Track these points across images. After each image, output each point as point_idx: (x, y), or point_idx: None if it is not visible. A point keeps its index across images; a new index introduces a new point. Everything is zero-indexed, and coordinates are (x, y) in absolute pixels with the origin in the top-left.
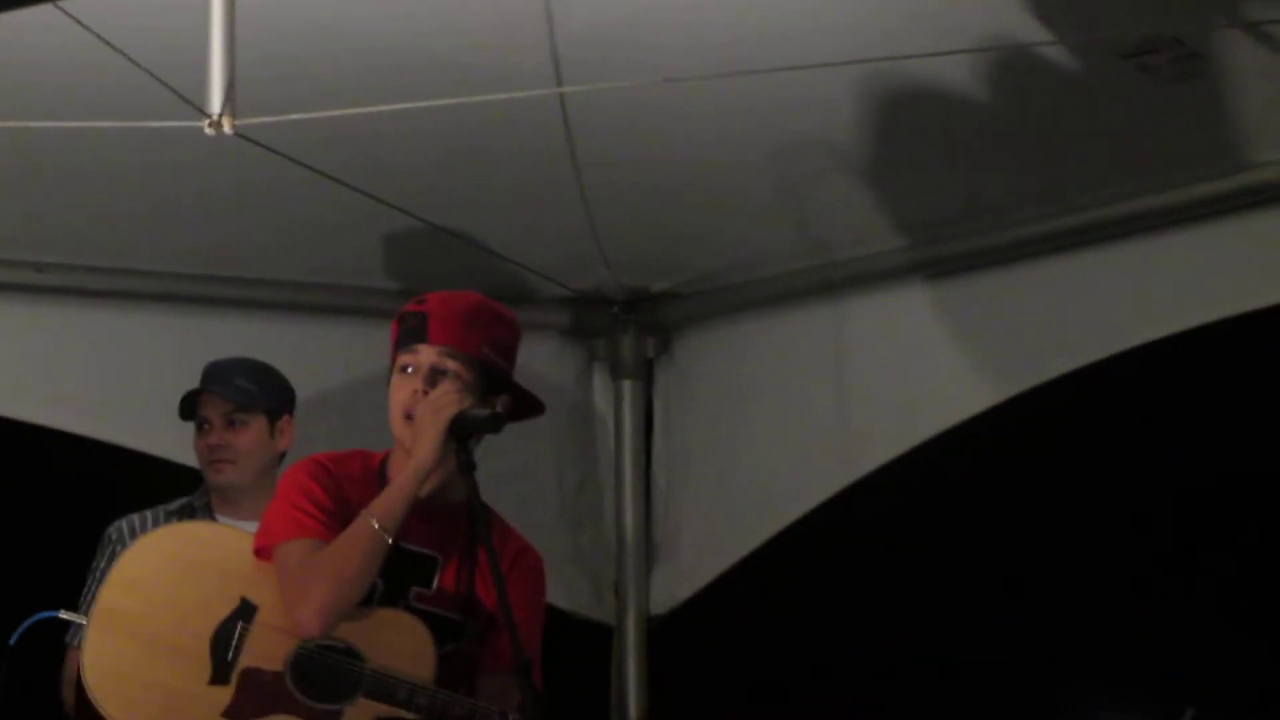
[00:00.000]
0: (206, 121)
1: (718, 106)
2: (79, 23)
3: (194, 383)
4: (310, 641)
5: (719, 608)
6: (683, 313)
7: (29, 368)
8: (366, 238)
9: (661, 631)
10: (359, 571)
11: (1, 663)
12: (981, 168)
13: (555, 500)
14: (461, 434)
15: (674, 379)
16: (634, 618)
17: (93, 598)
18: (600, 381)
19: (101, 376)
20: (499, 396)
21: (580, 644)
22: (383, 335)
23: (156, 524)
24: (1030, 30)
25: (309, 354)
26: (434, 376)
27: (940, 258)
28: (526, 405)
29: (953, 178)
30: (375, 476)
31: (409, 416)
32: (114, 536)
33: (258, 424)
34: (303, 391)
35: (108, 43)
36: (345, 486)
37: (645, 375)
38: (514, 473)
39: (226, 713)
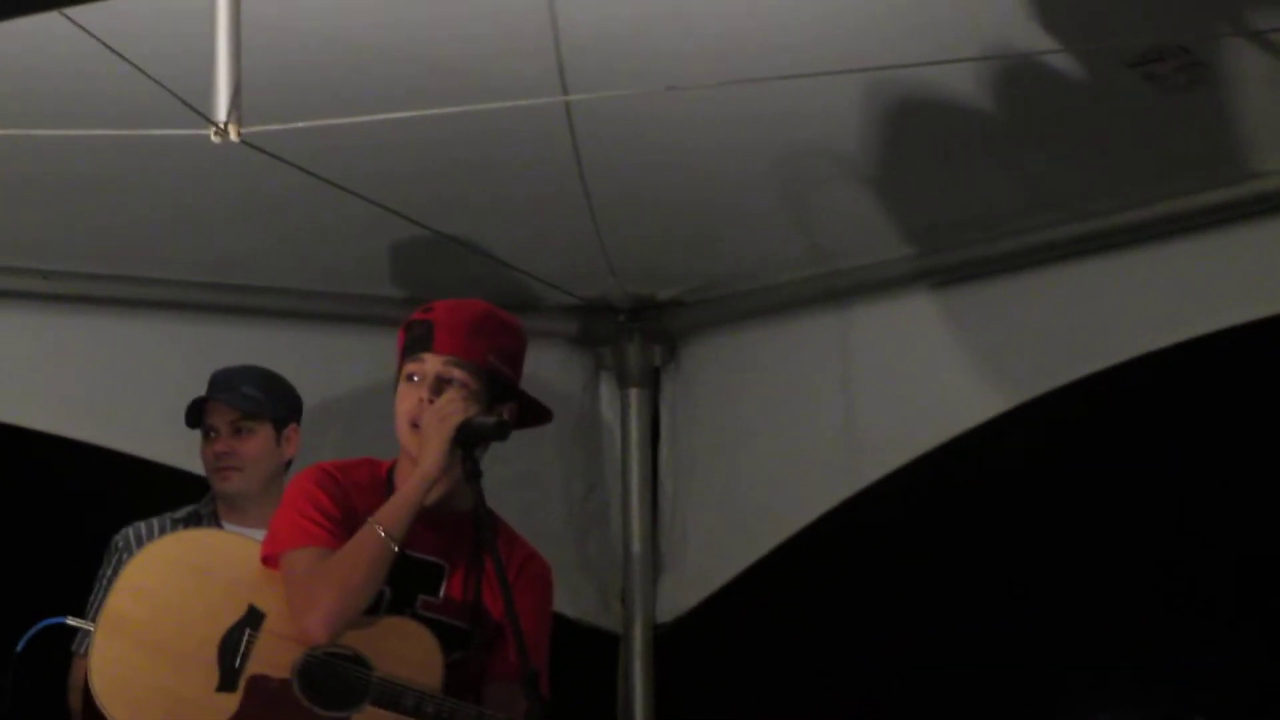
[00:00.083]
0: (213, 129)
1: (723, 115)
2: (85, 31)
3: (200, 390)
4: (318, 649)
5: (725, 616)
6: (689, 321)
7: (35, 375)
8: (373, 245)
9: (668, 639)
10: (366, 579)
11: (8, 669)
12: (987, 176)
13: (561, 508)
14: (468, 442)
15: (680, 387)
16: (640, 626)
17: (99, 605)
18: (607, 390)
19: (107, 384)
20: (505, 405)
21: (586, 652)
22: (389, 343)
23: (163, 532)
24: (1036, 39)
25: (315, 362)
26: (440, 385)
27: (946, 266)
28: (533, 413)
29: (958, 186)
30: (382, 485)
31: (415, 425)
32: (120, 544)
33: (264, 432)
34: (309, 399)
35: (114, 51)
36: (352, 494)
37: (652, 383)
38: (520, 481)
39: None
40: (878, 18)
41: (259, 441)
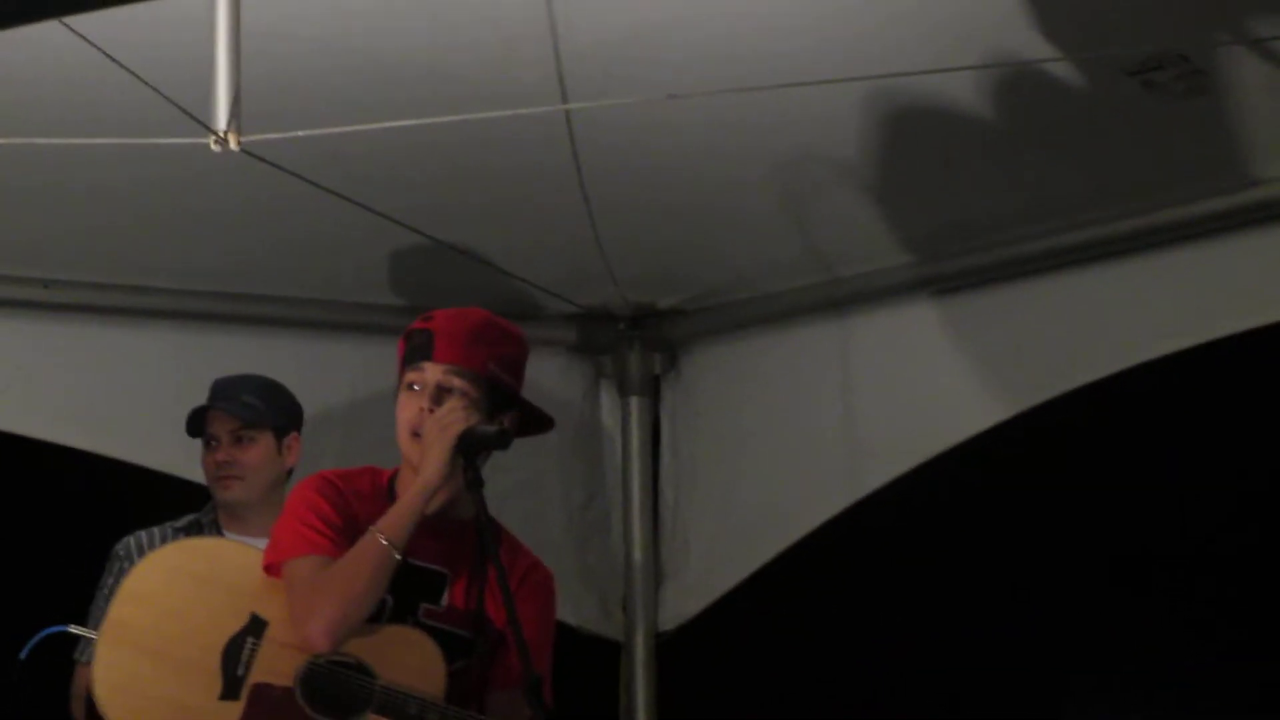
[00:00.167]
0: (212, 138)
1: (723, 122)
2: (85, 39)
3: (201, 399)
4: (320, 657)
5: (727, 623)
6: (689, 329)
7: (36, 384)
8: (373, 254)
9: (670, 647)
10: (368, 587)
11: (11, 677)
12: (987, 183)
13: (562, 517)
14: (469, 451)
15: (681, 395)
16: (642, 634)
17: (102, 614)
18: (607, 398)
19: (108, 393)
20: (506, 413)
21: (589, 660)
22: (389, 351)
23: (164, 540)
24: (1036, 47)
25: (316, 370)
26: (440, 394)
27: (945, 274)
28: (535, 421)
29: (958, 194)
30: (384, 493)
31: (416, 434)
32: (122, 553)
33: (265, 440)
34: (310, 408)
35: (114, 59)
36: (354, 503)
37: (652, 391)
38: (521, 489)
39: None
40: (878, 25)
41: (260, 450)
